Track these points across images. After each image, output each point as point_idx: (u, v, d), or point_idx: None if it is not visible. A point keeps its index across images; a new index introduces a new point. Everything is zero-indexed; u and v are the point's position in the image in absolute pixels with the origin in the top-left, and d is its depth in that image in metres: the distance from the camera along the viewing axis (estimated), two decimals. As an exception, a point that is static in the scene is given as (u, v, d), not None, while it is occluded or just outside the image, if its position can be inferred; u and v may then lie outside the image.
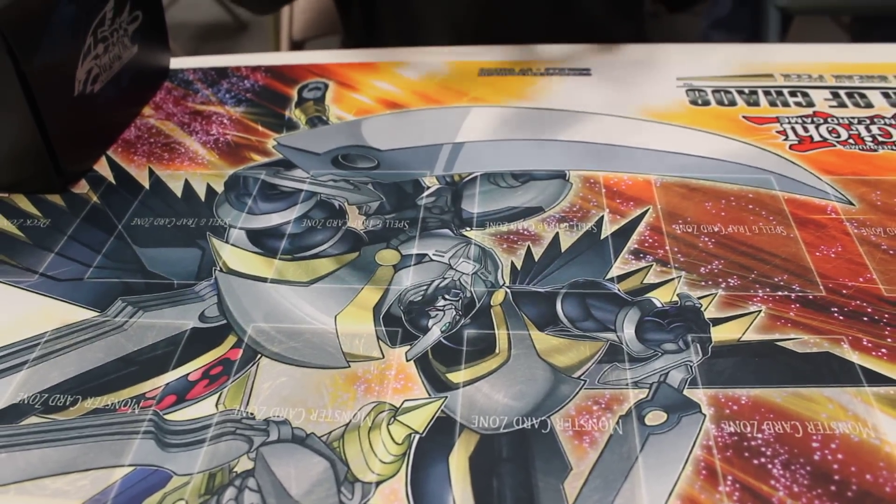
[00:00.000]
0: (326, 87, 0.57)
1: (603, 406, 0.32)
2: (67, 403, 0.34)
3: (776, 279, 0.38)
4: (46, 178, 0.47)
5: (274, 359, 0.35)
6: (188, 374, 0.35)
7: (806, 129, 0.50)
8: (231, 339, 0.37)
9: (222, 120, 0.54)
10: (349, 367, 0.35)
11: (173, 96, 0.57)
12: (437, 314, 0.37)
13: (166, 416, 0.33)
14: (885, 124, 0.50)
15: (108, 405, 0.34)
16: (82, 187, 0.48)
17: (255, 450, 0.32)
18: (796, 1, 0.97)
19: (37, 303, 0.40)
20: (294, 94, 0.57)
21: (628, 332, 0.36)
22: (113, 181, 0.48)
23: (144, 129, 0.54)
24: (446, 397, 0.33)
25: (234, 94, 0.57)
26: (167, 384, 0.35)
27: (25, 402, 0.34)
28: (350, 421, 0.32)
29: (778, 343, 0.35)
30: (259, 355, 0.36)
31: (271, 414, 0.33)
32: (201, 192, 0.47)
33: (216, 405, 0.34)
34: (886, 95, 0.53)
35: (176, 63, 0.61)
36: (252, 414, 0.33)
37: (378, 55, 0.61)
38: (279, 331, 0.37)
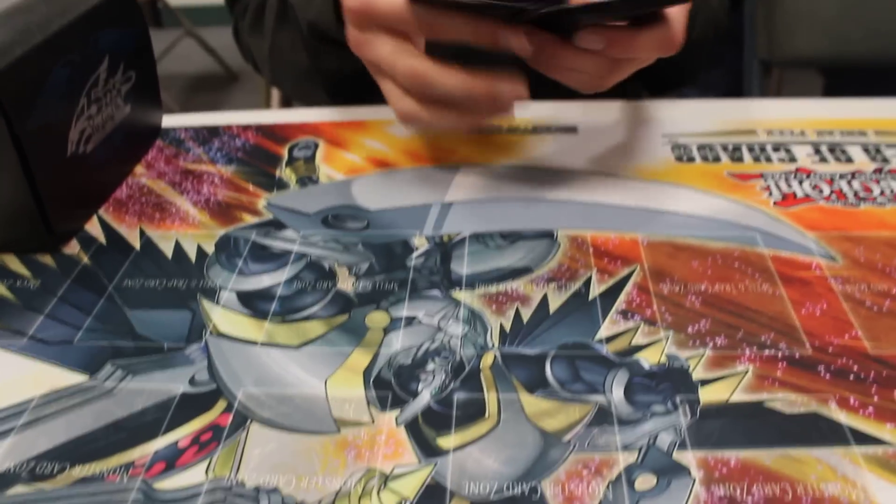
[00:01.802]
0: (317, 145, 0.58)
1: (592, 471, 0.32)
2: (55, 472, 0.34)
3: (763, 338, 0.39)
4: (37, 239, 0.47)
5: (264, 424, 0.35)
6: (178, 441, 0.35)
7: (789, 185, 0.51)
8: (221, 404, 0.37)
9: (213, 179, 0.54)
10: (339, 432, 0.35)
11: (165, 155, 0.58)
12: (426, 378, 0.37)
13: (155, 485, 0.33)
14: (866, 180, 0.51)
15: (96, 473, 0.34)
16: (73, 248, 0.48)
17: (244, 519, 0.31)
18: (777, 54, 0.99)
19: (25, 366, 0.39)
20: (284, 153, 0.57)
21: (617, 394, 0.36)
22: (104, 241, 0.49)
23: (136, 188, 0.54)
24: (436, 463, 0.33)
25: (226, 153, 0.57)
26: (156, 451, 0.34)
27: (12, 470, 0.34)
28: (340, 488, 0.32)
29: (766, 404, 0.35)
30: (249, 421, 0.36)
31: (261, 481, 0.33)
32: (192, 253, 0.47)
33: (206, 472, 0.33)
34: (866, 151, 0.54)
35: (168, 121, 0.62)
36: (242, 482, 0.33)
37: (367, 113, 0.62)
38: (269, 395, 0.37)
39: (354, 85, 0.61)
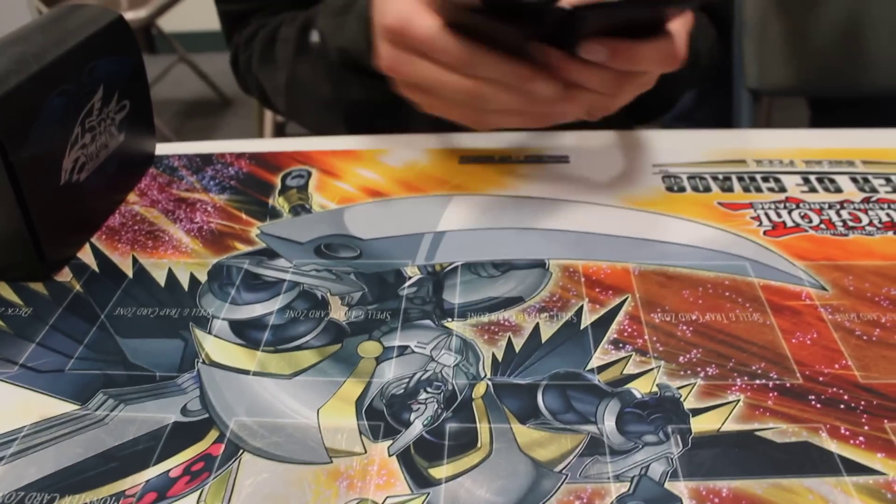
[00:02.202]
0: (310, 174, 0.58)
1: (585, 501, 0.32)
2: (45, 502, 0.34)
3: (754, 367, 0.39)
4: (30, 267, 0.47)
5: (256, 454, 0.35)
6: (169, 471, 0.35)
7: (779, 215, 0.51)
8: (213, 434, 0.36)
9: (206, 208, 0.54)
10: (331, 462, 0.35)
11: (158, 183, 0.58)
12: (419, 407, 0.37)
13: (146, 515, 0.33)
14: (855, 209, 0.51)
15: (86, 504, 0.34)
16: (65, 275, 0.48)
17: (235, 550, 0.31)
18: (767, 83, 1.00)
19: (16, 395, 0.39)
20: (278, 181, 0.57)
21: (609, 424, 0.36)
22: (96, 269, 0.49)
23: (129, 216, 0.54)
24: (429, 493, 0.33)
25: (219, 182, 0.58)
26: (147, 481, 0.34)
27: (1, 501, 0.34)
28: (332, 519, 0.32)
29: (757, 433, 0.35)
30: (241, 451, 0.35)
31: (253, 512, 0.33)
32: (185, 282, 0.47)
33: (198, 502, 0.33)
34: (854, 180, 0.55)
35: (161, 149, 0.62)
36: (233, 512, 0.33)
37: (360, 142, 0.62)
38: (261, 425, 0.37)
39: (377, 115, 0.61)
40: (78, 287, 0.47)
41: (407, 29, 0.46)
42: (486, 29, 0.45)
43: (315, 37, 0.65)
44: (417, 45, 0.46)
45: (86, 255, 0.50)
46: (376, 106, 0.55)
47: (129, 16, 2.31)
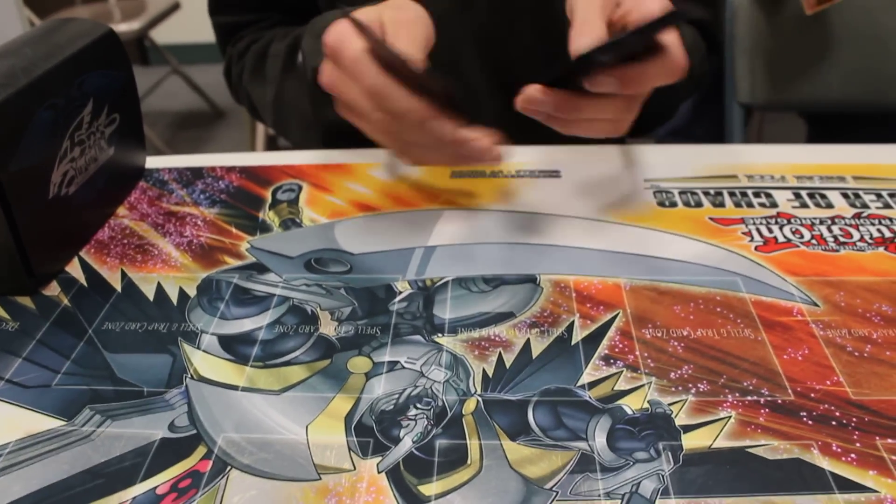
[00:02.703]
0: (300, 188, 0.58)
1: (576, 519, 0.32)
2: (30, 520, 0.33)
3: (745, 384, 0.39)
4: (17, 281, 0.47)
5: (244, 471, 0.35)
6: (156, 488, 0.34)
7: (770, 230, 0.51)
8: (201, 450, 0.36)
9: (196, 221, 0.54)
10: (320, 479, 0.34)
11: (148, 196, 0.58)
12: (408, 424, 0.37)
13: (132, 533, 0.32)
14: (846, 225, 0.51)
15: (72, 521, 0.33)
16: (53, 289, 0.48)
17: (222, 569, 0.31)
18: (758, 98, 1.01)
19: (1, 411, 0.39)
20: (268, 195, 0.57)
21: (600, 440, 0.36)
22: (85, 283, 0.48)
23: (118, 229, 0.54)
24: (418, 511, 0.33)
25: (209, 195, 0.57)
26: (134, 498, 0.34)
27: (-14, 519, 0.33)
28: (320, 537, 0.32)
29: (748, 450, 0.35)
30: (229, 467, 0.35)
31: (240, 530, 0.32)
32: (174, 296, 0.47)
33: (184, 521, 0.33)
34: (845, 196, 0.55)
35: (151, 162, 0.62)
36: (220, 530, 0.32)
37: (351, 156, 0.62)
38: (250, 441, 0.36)
39: (351, 137, 0.61)
40: (66, 301, 0.47)
41: (339, 49, 0.47)
42: (400, 66, 0.45)
43: (300, 56, 0.65)
44: (345, 66, 0.47)
45: (74, 269, 0.50)
46: (349, 128, 0.56)
47: (123, 28, 2.31)
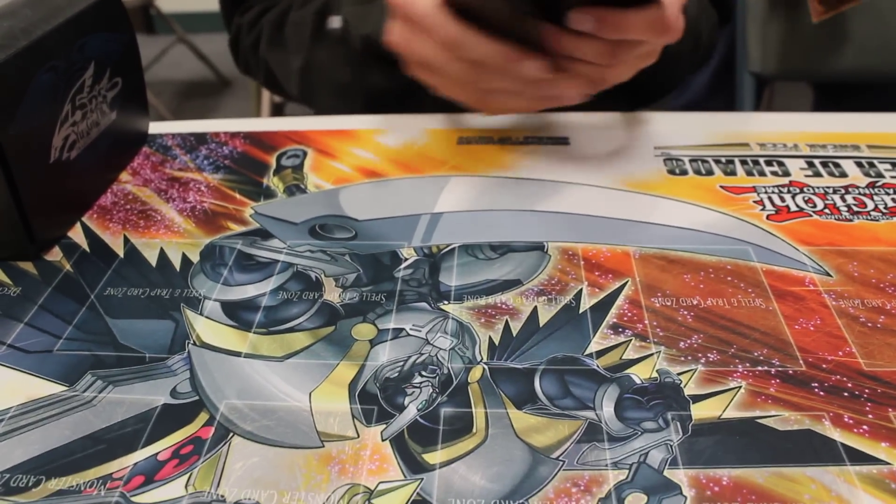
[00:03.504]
0: (305, 154, 0.57)
1: (582, 488, 0.32)
2: (30, 484, 0.33)
3: (756, 354, 0.38)
4: (19, 246, 0.46)
5: (246, 437, 0.35)
6: (157, 454, 0.34)
7: (782, 199, 0.50)
8: (203, 417, 0.36)
9: (200, 187, 0.53)
10: (323, 446, 0.34)
11: (151, 162, 0.57)
12: (413, 391, 0.36)
13: (133, 498, 0.32)
14: (860, 194, 0.50)
15: (72, 486, 0.33)
16: (55, 255, 0.47)
17: (224, 535, 0.31)
18: (770, 67, 0.99)
19: (3, 376, 0.39)
20: (272, 161, 0.56)
21: (607, 410, 0.35)
22: (87, 249, 0.48)
23: (121, 195, 0.53)
24: (422, 479, 0.32)
25: (213, 161, 0.57)
26: (135, 464, 0.34)
27: (-13, 483, 0.33)
28: (323, 504, 0.31)
29: (758, 420, 0.35)
30: (231, 434, 0.35)
31: (243, 496, 0.32)
32: (176, 262, 0.46)
33: (186, 487, 0.33)
34: (860, 165, 0.54)
35: (155, 128, 0.61)
36: (223, 496, 0.32)
37: (357, 122, 0.61)
38: (252, 408, 0.36)
39: (397, 102, 0.61)
40: (68, 267, 0.46)
41: (409, 5, 0.47)
42: (480, 8, 0.44)
43: (335, 23, 0.65)
44: (416, 21, 0.47)
45: (76, 235, 0.49)
46: (395, 93, 0.56)
47: (127, -5, 2.29)
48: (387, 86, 0.62)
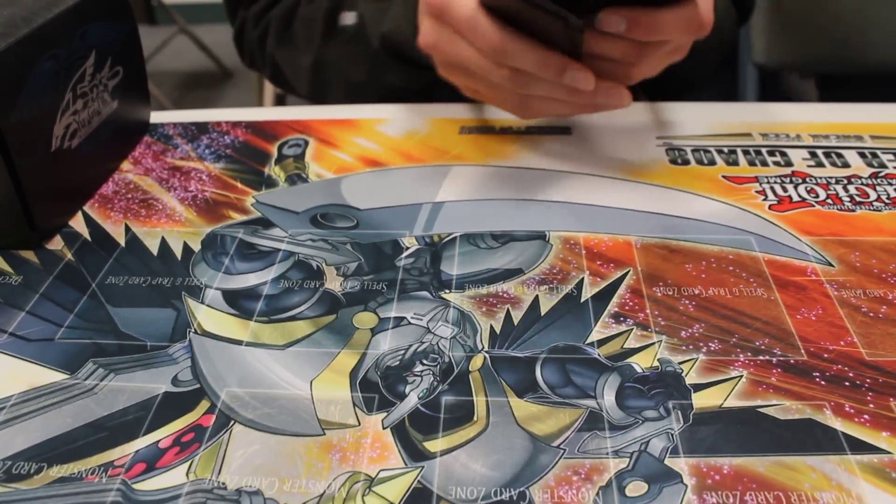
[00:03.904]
0: (306, 143, 0.57)
1: (583, 476, 0.32)
2: (32, 471, 0.33)
3: (757, 343, 0.38)
4: (20, 235, 0.46)
5: (247, 425, 0.35)
6: (159, 441, 0.34)
7: (785, 189, 0.50)
8: (204, 405, 0.36)
9: (201, 176, 0.53)
10: (324, 434, 0.34)
11: (153, 151, 0.57)
12: (414, 380, 0.36)
13: (134, 486, 0.32)
14: (862, 184, 0.50)
15: (74, 473, 0.33)
16: (57, 244, 0.47)
17: (225, 522, 0.31)
18: (773, 59, 0.99)
19: (4, 364, 0.39)
20: (274, 150, 0.56)
21: (608, 398, 0.35)
22: (88, 238, 0.48)
23: (122, 184, 0.53)
24: (423, 467, 0.32)
25: (214, 150, 0.57)
26: (137, 451, 0.34)
27: (-11, 470, 0.33)
28: (324, 492, 0.31)
29: (760, 409, 0.35)
30: (232, 422, 0.35)
31: (243, 484, 0.32)
32: (178, 251, 0.46)
33: (187, 474, 0.33)
34: (862, 155, 0.53)
35: (156, 117, 0.61)
36: (224, 484, 0.32)
37: (358, 111, 0.61)
38: (253, 396, 0.36)
39: (411, 101, 0.60)
40: (69, 256, 0.46)
41: (447, 7, 0.45)
42: (524, 14, 0.43)
43: (348, 19, 0.63)
44: (456, 25, 0.45)
45: (78, 223, 0.49)
46: (413, 93, 0.54)
47: (129, -14, 2.28)
48: (404, 86, 0.61)
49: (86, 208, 0.51)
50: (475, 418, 0.35)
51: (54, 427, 0.35)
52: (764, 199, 0.49)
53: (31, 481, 0.33)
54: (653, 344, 0.38)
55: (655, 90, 0.64)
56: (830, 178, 0.51)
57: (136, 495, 0.32)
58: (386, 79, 0.63)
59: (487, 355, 0.38)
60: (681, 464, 0.32)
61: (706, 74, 0.71)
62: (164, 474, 0.33)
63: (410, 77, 0.57)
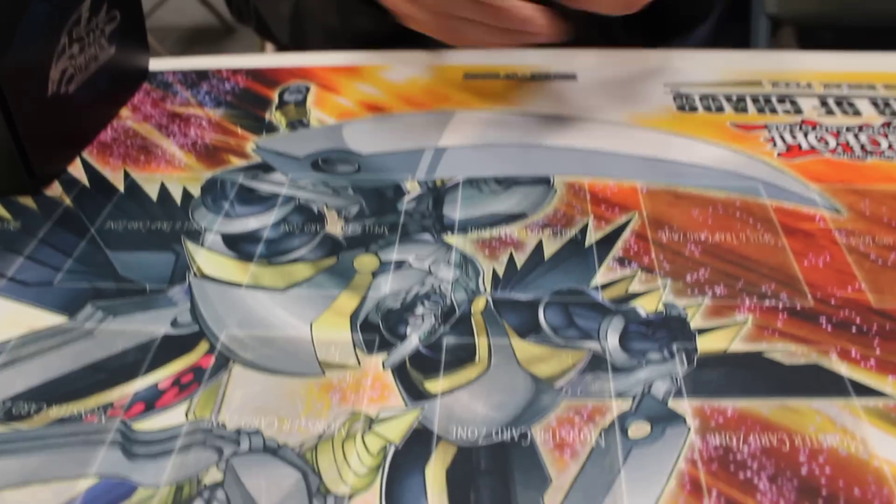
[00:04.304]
0: (308, 89, 0.56)
1: (585, 417, 0.31)
2: (31, 412, 0.33)
3: (763, 288, 0.38)
4: (18, 180, 0.46)
5: (247, 366, 0.34)
6: (158, 383, 0.34)
7: (794, 137, 0.49)
8: (203, 346, 0.35)
9: (201, 122, 0.53)
10: (324, 375, 0.34)
11: (152, 98, 0.56)
12: (415, 321, 0.36)
13: (134, 426, 0.32)
14: (874, 133, 0.49)
15: (73, 414, 0.33)
16: (55, 189, 0.47)
17: (225, 461, 0.30)
18: (786, 9, 0.97)
19: (4, 307, 0.38)
20: (275, 96, 0.56)
21: (612, 341, 0.35)
22: (87, 184, 0.47)
23: (121, 130, 0.52)
24: (424, 407, 0.32)
25: (214, 97, 0.56)
26: (136, 392, 0.33)
27: (-12, 410, 0.33)
28: (324, 431, 0.31)
29: (765, 354, 0.34)
30: (232, 362, 0.34)
31: (243, 423, 0.32)
32: (177, 196, 0.46)
33: (186, 414, 0.32)
34: (875, 104, 0.52)
35: (155, 65, 0.60)
36: (223, 423, 0.32)
37: (361, 58, 0.60)
38: (253, 337, 0.36)
39: (384, 47, 0.60)
40: (68, 201, 0.46)
41: None
42: None
43: None
44: None
45: (76, 170, 0.49)
46: (382, 38, 0.54)
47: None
48: (372, 29, 0.60)
49: (84, 155, 0.50)
50: (477, 359, 0.34)
51: (53, 369, 0.35)
52: (773, 147, 0.48)
53: (31, 421, 0.32)
54: (657, 288, 0.38)
55: (652, 31, 0.62)
56: (841, 126, 0.50)
57: (136, 435, 0.32)
58: (355, 23, 0.63)
59: (490, 298, 0.37)
60: (684, 406, 0.32)
61: (707, 8, 0.70)
62: (163, 414, 0.32)
63: (378, 22, 0.56)
